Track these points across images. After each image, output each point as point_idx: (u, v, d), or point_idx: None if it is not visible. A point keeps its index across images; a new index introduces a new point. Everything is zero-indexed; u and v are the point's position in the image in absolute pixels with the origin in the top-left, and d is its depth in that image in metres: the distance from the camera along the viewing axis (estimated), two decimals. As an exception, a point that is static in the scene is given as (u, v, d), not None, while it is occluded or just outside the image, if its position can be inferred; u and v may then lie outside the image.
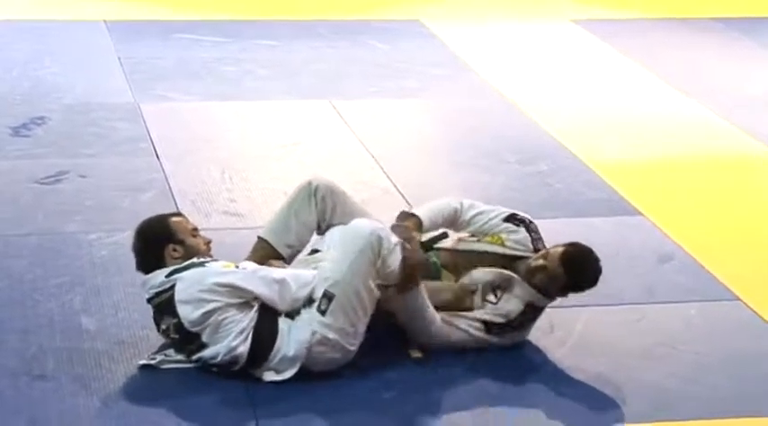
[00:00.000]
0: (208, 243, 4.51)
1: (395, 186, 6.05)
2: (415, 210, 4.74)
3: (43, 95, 7.12)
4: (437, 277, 4.69)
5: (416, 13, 9.06)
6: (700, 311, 5.00)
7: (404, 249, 4.37)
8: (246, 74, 7.65)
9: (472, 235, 4.77)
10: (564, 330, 4.73)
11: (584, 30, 8.88)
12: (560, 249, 4.56)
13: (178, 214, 4.58)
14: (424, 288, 4.48)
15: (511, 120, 7.06)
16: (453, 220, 4.77)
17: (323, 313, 4.28)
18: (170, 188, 5.91)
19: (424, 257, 4.54)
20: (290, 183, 5.83)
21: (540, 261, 4.55)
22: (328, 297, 4.28)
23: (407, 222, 4.64)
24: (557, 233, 4.96)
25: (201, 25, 8.57)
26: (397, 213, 5.69)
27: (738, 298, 5.08)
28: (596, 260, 4.58)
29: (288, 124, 6.88)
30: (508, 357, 4.56)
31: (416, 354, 4.52)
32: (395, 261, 4.34)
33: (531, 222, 4.79)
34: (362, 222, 4.46)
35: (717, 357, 4.66)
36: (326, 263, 4.38)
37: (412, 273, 4.40)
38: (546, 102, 7.37)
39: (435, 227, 4.71)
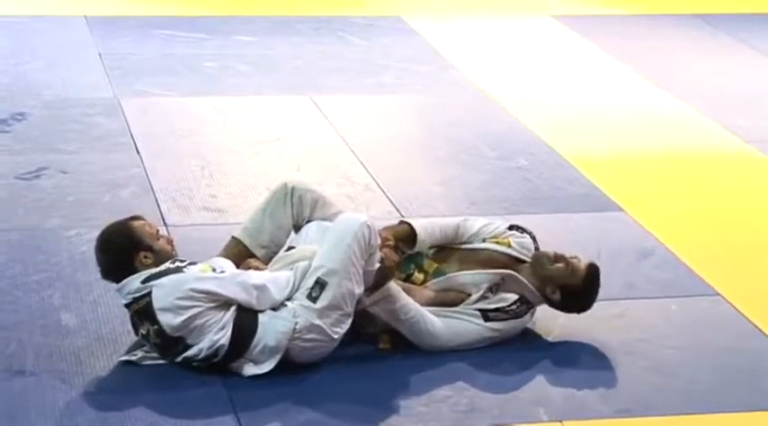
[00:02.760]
0: (171, 242, 4.48)
1: (375, 181, 6.05)
2: (412, 221, 4.77)
3: (23, 91, 7.09)
4: (420, 264, 4.70)
5: (397, 9, 9.06)
6: (680, 306, 5.01)
7: (381, 253, 4.41)
8: (226, 69, 7.64)
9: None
10: (545, 324, 4.74)
11: (563, 25, 8.90)
12: (583, 264, 4.61)
13: (137, 217, 4.50)
14: (402, 290, 4.49)
15: (491, 116, 7.07)
16: (453, 234, 4.77)
17: (314, 300, 4.29)
18: (150, 183, 5.90)
19: (396, 260, 4.53)
20: (270, 178, 5.87)
21: (564, 279, 4.57)
22: (321, 284, 4.29)
23: (391, 228, 4.66)
24: (538, 229, 4.96)
25: (181, 21, 8.55)
26: (377, 208, 5.73)
27: (718, 294, 5.10)
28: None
29: (268, 120, 6.88)
30: (486, 347, 4.57)
31: (385, 345, 4.52)
32: (375, 260, 4.37)
33: (531, 232, 4.84)
34: (354, 214, 4.52)
35: (697, 352, 4.68)
36: (318, 251, 4.38)
37: (385, 275, 4.42)
38: (526, 98, 7.38)
39: (431, 238, 4.73)
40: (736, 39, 8.79)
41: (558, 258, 4.61)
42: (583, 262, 4.64)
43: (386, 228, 4.65)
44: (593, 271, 4.63)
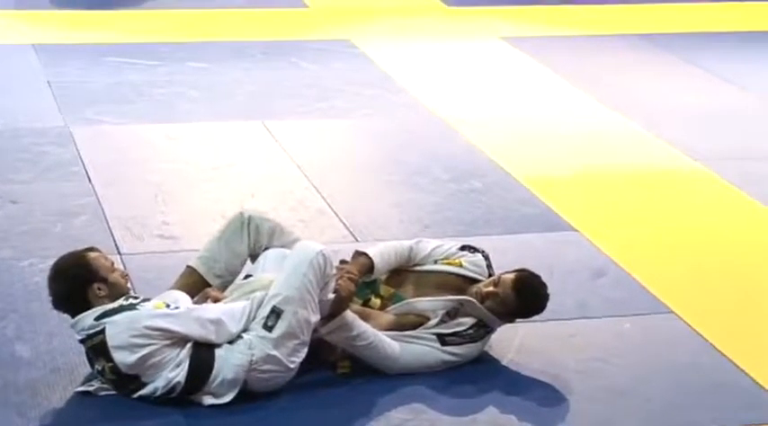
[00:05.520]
0: (125, 276, 4.46)
1: (329, 206, 6.05)
2: (367, 250, 4.77)
3: (-28, 121, 7.06)
4: (376, 290, 4.72)
5: (347, 34, 9.10)
6: (633, 324, 5.05)
7: (338, 283, 4.41)
8: (178, 96, 7.63)
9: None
10: (502, 345, 4.76)
11: (513, 47, 8.96)
12: (512, 275, 4.62)
13: (93, 249, 4.47)
14: (358, 318, 4.49)
15: (443, 138, 7.10)
16: (407, 258, 4.80)
17: (270, 329, 4.29)
18: (103, 212, 5.87)
19: (353, 291, 4.53)
20: (224, 205, 5.86)
21: (491, 288, 4.60)
22: (277, 313, 4.29)
23: (354, 262, 4.67)
24: (492, 250, 4.99)
25: (131, 48, 8.53)
26: (331, 233, 5.72)
27: (671, 311, 5.14)
28: (545, 287, 4.66)
29: (221, 146, 6.87)
30: (444, 370, 4.57)
31: (343, 369, 4.53)
32: (330, 289, 4.38)
33: (484, 251, 4.86)
34: (310, 242, 4.51)
35: (652, 370, 4.71)
36: (274, 280, 4.37)
37: (341, 305, 4.41)
38: (477, 120, 7.42)
39: (387, 265, 4.75)
40: (683, 59, 8.88)
41: (485, 296, 4.61)
42: (508, 284, 4.58)
43: (349, 262, 4.67)
44: (520, 277, 4.61)
